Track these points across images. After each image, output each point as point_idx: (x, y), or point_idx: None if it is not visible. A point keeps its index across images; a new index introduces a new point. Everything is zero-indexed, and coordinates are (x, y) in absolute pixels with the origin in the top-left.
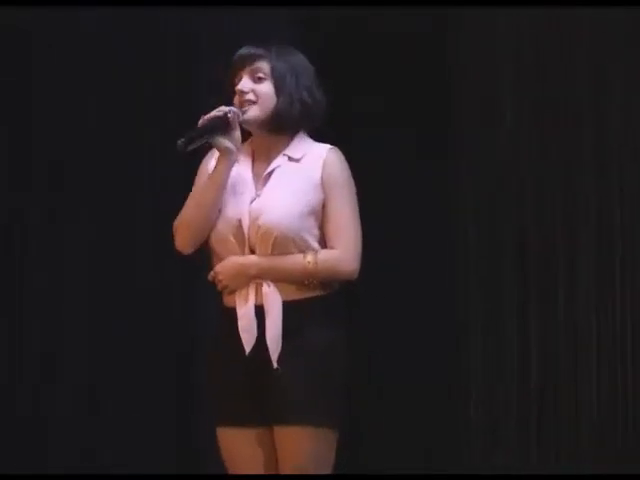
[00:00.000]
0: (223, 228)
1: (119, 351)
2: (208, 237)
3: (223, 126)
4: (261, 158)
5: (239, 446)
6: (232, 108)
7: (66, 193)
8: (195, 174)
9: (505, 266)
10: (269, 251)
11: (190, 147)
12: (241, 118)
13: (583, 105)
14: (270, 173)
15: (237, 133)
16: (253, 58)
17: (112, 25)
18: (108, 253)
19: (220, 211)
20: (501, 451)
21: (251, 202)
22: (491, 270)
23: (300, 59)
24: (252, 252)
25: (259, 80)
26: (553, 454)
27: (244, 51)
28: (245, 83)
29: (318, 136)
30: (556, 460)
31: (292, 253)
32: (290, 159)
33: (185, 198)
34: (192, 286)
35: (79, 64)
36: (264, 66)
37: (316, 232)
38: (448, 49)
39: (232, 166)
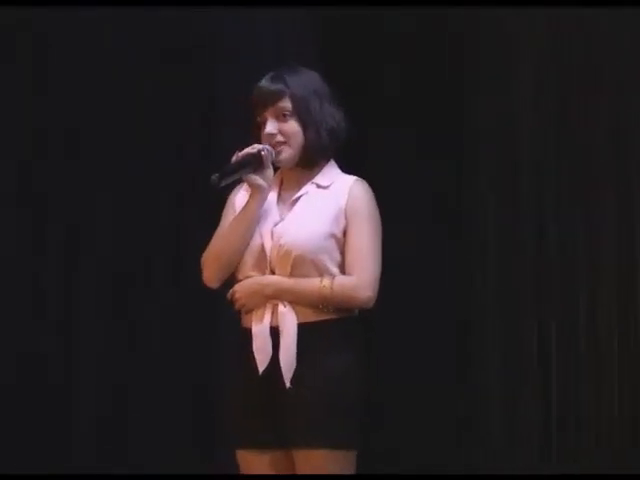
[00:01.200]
0: (246, 252)
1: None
2: None
3: (256, 163)
4: (290, 186)
5: (258, 469)
6: (266, 146)
7: (80, 201)
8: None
9: (523, 275)
10: (288, 271)
11: (223, 182)
12: (274, 158)
13: (601, 106)
14: (297, 199)
15: (270, 171)
16: (274, 98)
17: (112, 25)
18: (129, 258)
19: None
20: (517, 453)
21: (275, 225)
22: (508, 279)
23: (316, 81)
24: (272, 273)
25: (284, 118)
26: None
27: (263, 89)
28: (271, 125)
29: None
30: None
31: (311, 276)
32: (318, 186)
33: (202, 204)
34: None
35: (78, 64)
36: (286, 104)
37: (337, 257)
38: (451, 51)
39: (263, 203)
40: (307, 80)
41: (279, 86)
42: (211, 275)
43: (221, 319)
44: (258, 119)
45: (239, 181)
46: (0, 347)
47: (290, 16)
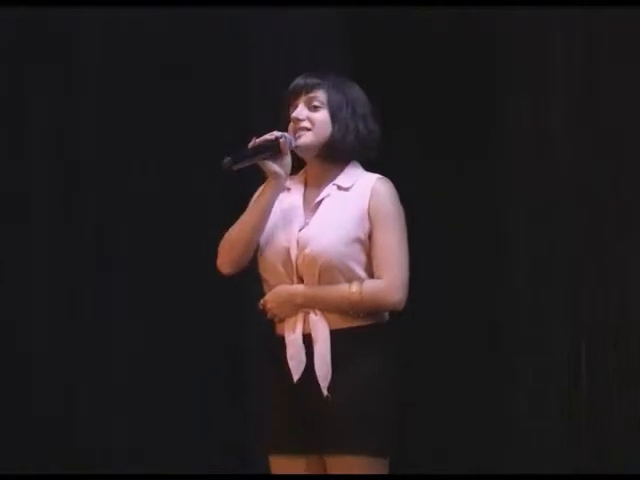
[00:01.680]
0: (272, 256)
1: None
2: (257, 265)
3: (273, 150)
4: (313, 187)
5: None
6: (284, 134)
7: (81, 200)
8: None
9: (555, 283)
10: (316, 279)
11: (236, 167)
12: (294, 144)
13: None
14: (319, 202)
15: (287, 159)
16: (309, 87)
17: (112, 25)
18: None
19: (269, 238)
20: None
21: (300, 230)
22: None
23: (356, 90)
24: (300, 281)
25: (315, 108)
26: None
27: (300, 81)
28: (301, 111)
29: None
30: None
31: (339, 281)
32: (340, 188)
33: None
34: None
35: (79, 64)
36: (320, 95)
37: (363, 260)
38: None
39: (279, 191)
40: (346, 85)
41: (316, 80)
42: (223, 261)
43: (222, 321)
44: (291, 109)
45: (254, 167)
46: (0, 347)
47: (294, 16)
